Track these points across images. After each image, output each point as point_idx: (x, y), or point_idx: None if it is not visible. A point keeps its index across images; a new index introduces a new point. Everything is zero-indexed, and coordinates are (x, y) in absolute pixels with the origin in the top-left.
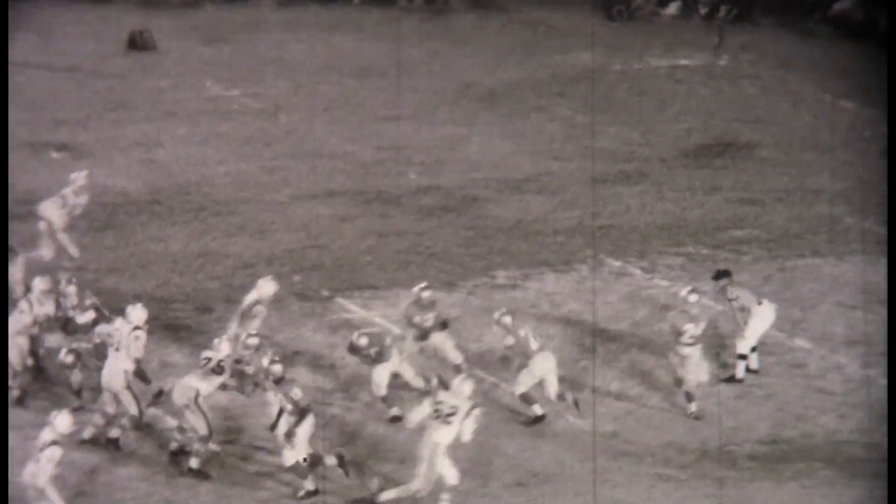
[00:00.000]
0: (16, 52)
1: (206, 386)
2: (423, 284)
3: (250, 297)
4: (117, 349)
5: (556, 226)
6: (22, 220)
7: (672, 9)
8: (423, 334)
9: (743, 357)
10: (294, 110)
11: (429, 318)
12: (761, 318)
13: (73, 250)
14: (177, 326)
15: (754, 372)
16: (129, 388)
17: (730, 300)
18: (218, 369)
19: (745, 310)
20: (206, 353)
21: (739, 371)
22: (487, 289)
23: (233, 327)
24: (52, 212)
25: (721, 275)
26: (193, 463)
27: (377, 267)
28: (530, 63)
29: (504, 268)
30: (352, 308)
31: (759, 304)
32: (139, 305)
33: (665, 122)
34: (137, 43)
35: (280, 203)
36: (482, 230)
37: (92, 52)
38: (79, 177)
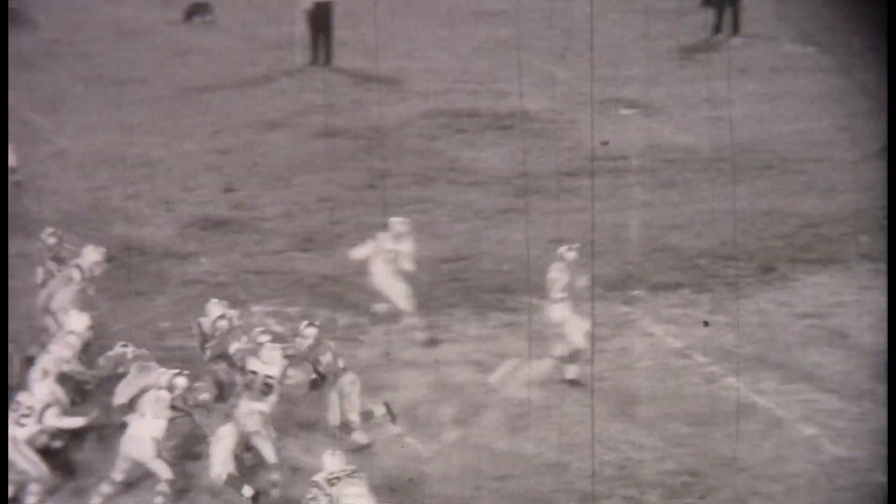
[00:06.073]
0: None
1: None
2: None
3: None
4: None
5: None
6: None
7: None
8: None
9: None
10: (869, 68)
11: None
12: None
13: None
14: (737, 285)
15: None
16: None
17: None
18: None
19: None
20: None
21: None
22: None
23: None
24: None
25: None
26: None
27: None
28: None
29: None
30: None
31: None
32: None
33: None
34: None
35: (851, 162)
36: None
37: (667, 9)
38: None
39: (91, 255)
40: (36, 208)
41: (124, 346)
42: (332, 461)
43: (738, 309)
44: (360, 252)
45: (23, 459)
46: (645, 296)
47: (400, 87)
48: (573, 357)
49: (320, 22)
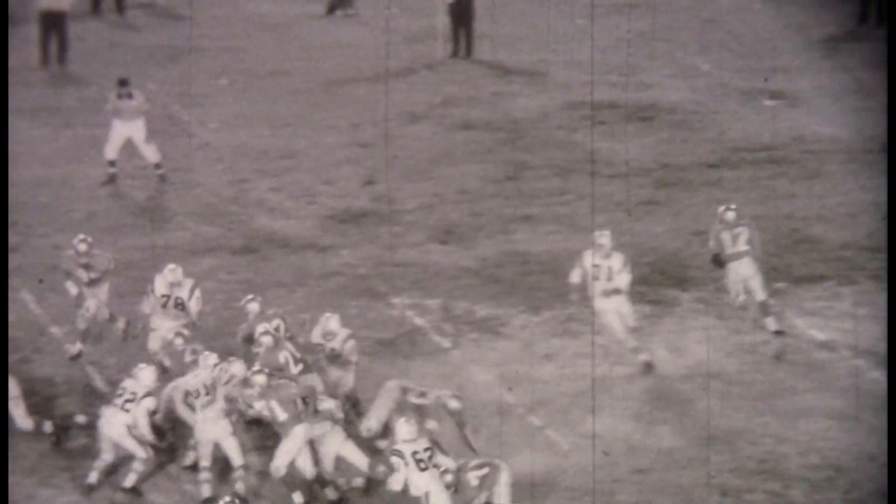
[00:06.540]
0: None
1: None
2: None
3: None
4: None
5: None
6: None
7: None
8: None
9: None
10: None
11: None
12: None
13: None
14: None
15: None
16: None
17: None
18: None
19: None
20: None
21: None
22: None
23: None
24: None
25: None
26: None
27: None
28: None
29: None
30: None
31: None
32: None
33: None
34: None
35: None
36: None
37: None
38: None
39: (168, 276)
40: (179, 201)
41: (189, 346)
42: (405, 429)
43: (884, 302)
44: (574, 276)
45: (129, 442)
46: (788, 288)
47: (540, 80)
48: (763, 310)
49: (461, 14)
